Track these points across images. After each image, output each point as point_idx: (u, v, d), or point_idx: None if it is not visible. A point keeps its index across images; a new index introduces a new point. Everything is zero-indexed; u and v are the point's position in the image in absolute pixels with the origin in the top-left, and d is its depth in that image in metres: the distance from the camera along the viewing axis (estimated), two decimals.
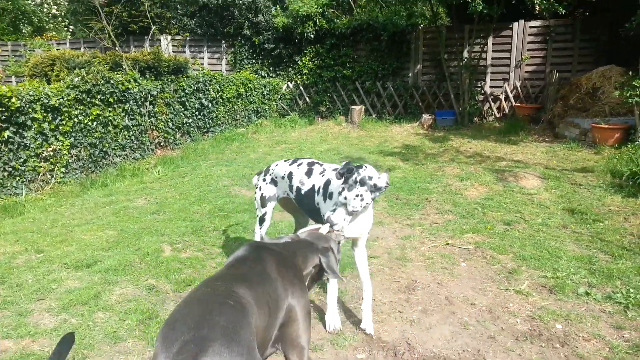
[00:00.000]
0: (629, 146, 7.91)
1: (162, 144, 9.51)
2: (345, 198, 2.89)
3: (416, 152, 9.07)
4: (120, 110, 8.20)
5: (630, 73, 8.49)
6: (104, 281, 4.06)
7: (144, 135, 8.87)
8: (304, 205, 3.58)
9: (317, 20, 12.82)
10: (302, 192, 3.50)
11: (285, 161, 3.80)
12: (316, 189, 3.40)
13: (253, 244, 2.36)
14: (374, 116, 12.74)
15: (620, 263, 4.18)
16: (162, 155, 9.24)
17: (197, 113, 10.44)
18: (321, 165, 3.57)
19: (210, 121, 10.87)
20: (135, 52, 9.41)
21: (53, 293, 3.87)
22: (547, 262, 4.30)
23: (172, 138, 9.69)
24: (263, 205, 3.83)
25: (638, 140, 7.88)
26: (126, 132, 8.39)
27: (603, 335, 3.15)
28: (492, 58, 12.22)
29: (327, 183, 3.32)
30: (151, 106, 9.00)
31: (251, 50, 14.03)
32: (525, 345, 3.09)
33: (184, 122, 10.04)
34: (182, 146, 9.86)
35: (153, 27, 12.77)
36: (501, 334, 3.22)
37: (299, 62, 13.48)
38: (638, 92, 7.87)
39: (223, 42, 14.39)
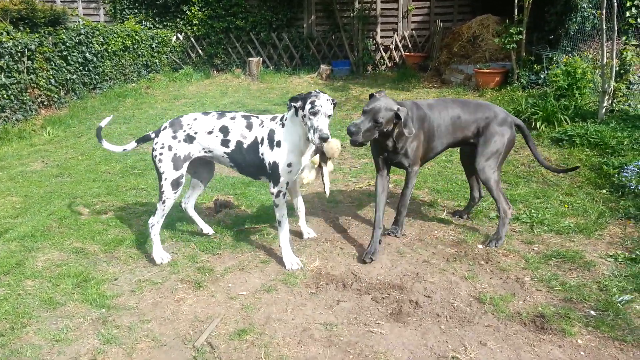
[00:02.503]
0: (509, 88, 8.80)
1: (45, 104, 8.62)
2: (322, 106, 3.07)
3: None
4: None
5: (507, 21, 9.28)
6: (23, 249, 3.75)
7: (24, 94, 7.97)
8: (239, 160, 3.46)
9: None
10: (245, 145, 3.43)
11: (203, 114, 3.51)
12: (259, 140, 3.39)
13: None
14: (271, 68, 12.61)
15: (519, 189, 4.76)
16: (47, 115, 8.41)
17: (81, 68, 9.56)
18: (255, 117, 3.52)
19: (96, 77, 10.03)
20: (2, 0, 8.22)
21: None
22: (457, 193, 4.76)
23: (57, 96, 8.81)
24: (177, 167, 3.39)
25: (516, 82, 8.77)
26: (4, 92, 7.47)
27: (518, 250, 3.62)
28: (381, 9, 12.60)
29: (272, 133, 3.35)
30: (29, 62, 8.06)
31: None
32: (456, 264, 3.46)
33: (68, 78, 9.15)
34: (68, 105, 9.03)
35: None
36: (433, 258, 3.56)
37: (187, 12, 12.74)
38: (514, 39, 8.70)
39: None
